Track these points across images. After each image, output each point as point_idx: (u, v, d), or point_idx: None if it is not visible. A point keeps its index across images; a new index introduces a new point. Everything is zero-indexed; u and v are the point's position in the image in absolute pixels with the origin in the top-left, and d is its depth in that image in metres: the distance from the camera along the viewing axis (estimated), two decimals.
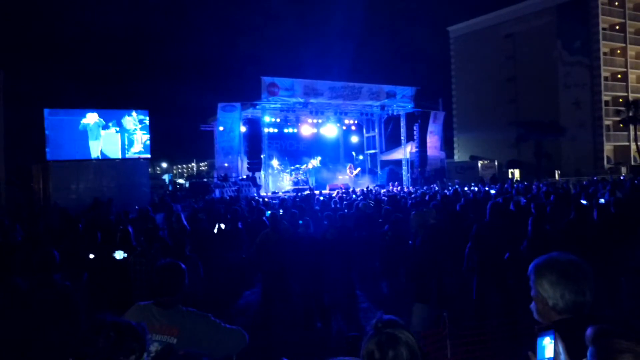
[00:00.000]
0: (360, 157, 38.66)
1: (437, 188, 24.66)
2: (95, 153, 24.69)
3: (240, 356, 3.21)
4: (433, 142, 34.79)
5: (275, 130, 34.20)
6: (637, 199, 11.17)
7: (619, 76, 58.40)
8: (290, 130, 34.94)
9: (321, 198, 18.42)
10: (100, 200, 18.85)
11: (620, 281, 5.20)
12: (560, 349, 1.78)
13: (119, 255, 6.47)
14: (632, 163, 51.48)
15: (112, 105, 27.97)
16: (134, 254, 6.19)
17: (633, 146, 53.85)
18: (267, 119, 31.94)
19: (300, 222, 8.06)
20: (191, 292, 3.40)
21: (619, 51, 58.52)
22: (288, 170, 34.28)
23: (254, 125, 30.15)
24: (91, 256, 6.76)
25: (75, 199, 21.78)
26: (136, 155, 25.83)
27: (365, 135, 38.14)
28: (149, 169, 31.44)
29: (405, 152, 35.25)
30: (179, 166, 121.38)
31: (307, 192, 24.53)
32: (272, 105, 30.37)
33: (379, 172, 36.99)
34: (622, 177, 29.73)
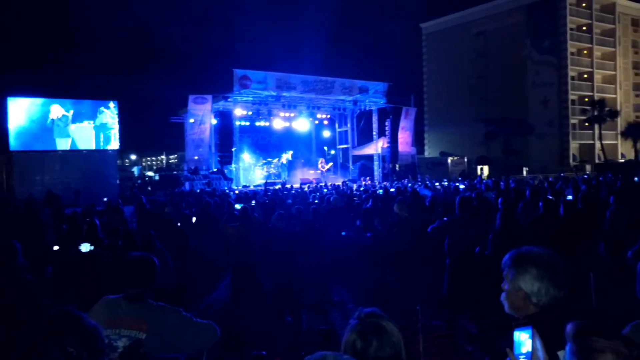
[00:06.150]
0: (332, 151, 38.68)
1: (408, 183, 24.84)
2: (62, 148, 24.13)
3: (211, 350, 3.15)
4: (404, 137, 35.02)
5: (247, 124, 33.94)
6: (602, 196, 11.44)
7: (585, 76, 59.76)
8: (262, 123, 34.70)
9: (293, 192, 18.37)
10: (53, 193, 18.36)
11: (588, 275, 5.31)
12: (538, 344, 1.77)
13: (85, 247, 6.30)
14: (597, 161, 52.79)
15: (79, 95, 27.24)
16: (102, 246, 6.04)
17: (598, 144, 55.23)
18: (238, 111, 31.65)
19: (276, 214, 7.97)
20: (161, 286, 3.32)
21: (585, 51, 59.84)
22: (260, 164, 34.10)
23: (225, 117, 29.90)
24: (55, 248, 6.58)
25: (41, 190, 21.24)
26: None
27: (338, 130, 38.14)
28: (118, 161, 30.87)
29: (377, 147, 35.39)
30: (148, 158, 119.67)
31: (279, 186, 24.45)
32: (244, 98, 30.10)
33: (351, 167, 37.09)
34: (586, 175, 30.46)
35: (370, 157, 36.68)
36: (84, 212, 10.66)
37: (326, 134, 38.16)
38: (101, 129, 24.88)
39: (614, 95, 60.16)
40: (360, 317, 1.98)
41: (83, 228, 7.08)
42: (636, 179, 18.50)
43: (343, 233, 7.96)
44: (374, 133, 35.57)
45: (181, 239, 8.50)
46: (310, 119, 36.15)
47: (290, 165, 34.44)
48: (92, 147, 24.81)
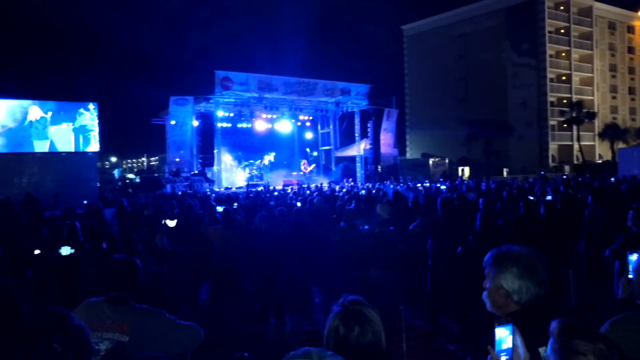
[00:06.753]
0: (315, 153, 38.69)
1: (390, 185, 24.96)
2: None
3: (195, 353, 3.14)
4: (386, 139, 35.18)
5: (229, 125, 33.80)
6: (580, 196, 11.62)
7: (564, 78, 60.64)
8: (244, 125, 34.58)
9: (275, 194, 18.35)
10: (31, 196, 18.08)
11: (568, 273, 5.40)
12: (519, 341, 1.80)
13: (66, 251, 6.23)
14: (575, 162, 53.58)
15: (58, 96, 26.87)
16: (84, 249, 5.97)
17: (576, 145, 56.04)
18: (220, 113, 31.53)
19: (259, 216, 7.97)
20: (144, 289, 3.31)
21: (563, 54, 60.73)
22: (242, 166, 33.97)
23: (207, 119, 29.71)
24: (37, 252, 6.49)
25: (18, 194, 20.89)
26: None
27: (320, 131, 38.17)
28: (98, 163, 30.52)
29: (359, 148, 35.50)
30: (129, 161, 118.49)
31: (261, 188, 24.41)
32: (226, 100, 30.00)
33: (334, 168, 37.14)
34: (565, 176, 30.91)
35: (352, 159, 36.76)
36: (64, 215, 10.53)
37: (308, 135, 38.16)
38: (81, 130, 24.56)
39: (591, 97, 61.17)
40: (344, 304, 2.00)
41: (63, 231, 6.99)
42: (613, 179, 18.81)
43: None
44: (356, 135, 35.67)
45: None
46: (293, 120, 36.11)
47: (273, 167, 34.38)
48: (72, 149, 24.49)
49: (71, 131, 24.39)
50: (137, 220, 10.90)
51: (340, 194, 16.04)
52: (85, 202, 15.52)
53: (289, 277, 8.36)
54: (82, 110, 24.67)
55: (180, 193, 20.07)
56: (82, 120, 24.62)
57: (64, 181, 23.02)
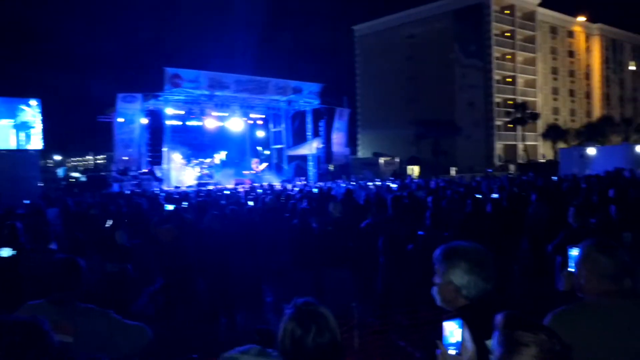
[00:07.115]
0: (267, 152, 38.48)
1: (342, 183, 25.15)
2: None
3: (144, 353, 3.07)
4: (338, 138, 35.40)
5: (179, 123, 33.13)
6: (524, 194, 12.02)
7: (509, 80, 62.65)
8: (195, 123, 33.98)
9: (227, 192, 18.15)
10: None
11: (513, 269, 5.57)
12: (467, 335, 1.84)
13: (6, 252, 5.97)
14: (520, 161, 55.46)
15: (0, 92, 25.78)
16: (25, 251, 5.74)
17: (520, 145, 58.02)
18: (169, 111, 30.84)
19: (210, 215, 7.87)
20: (90, 290, 3.21)
21: (509, 56, 62.73)
22: (191, 165, 33.39)
23: (156, 117, 29.09)
24: None
25: None
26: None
27: (272, 130, 37.99)
28: (41, 162, 29.44)
29: (311, 147, 35.54)
30: (74, 159, 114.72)
31: (212, 187, 24.12)
32: (176, 97, 29.38)
33: (286, 167, 37.05)
34: (510, 174, 31.95)
35: (305, 158, 36.77)
36: (4, 215, 10.09)
37: (260, 134, 37.89)
38: (22, 127, 23.63)
39: (534, 99, 63.45)
40: (296, 306, 1.98)
41: (3, 232, 6.69)
42: (555, 177, 19.58)
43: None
44: (308, 133, 35.71)
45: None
46: (244, 118, 35.75)
47: (224, 166, 33.98)
48: (12, 146, 23.53)
49: (12, 127, 23.44)
50: (82, 220, 10.56)
51: (293, 192, 16.04)
52: (26, 202, 14.94)
53: (240, 276, 8.28)
54: (23, 106, 23.74)
55: (128, 192, 19.58)
56: (23, 117, 23.69)
57: (4, 180, 22.08)
